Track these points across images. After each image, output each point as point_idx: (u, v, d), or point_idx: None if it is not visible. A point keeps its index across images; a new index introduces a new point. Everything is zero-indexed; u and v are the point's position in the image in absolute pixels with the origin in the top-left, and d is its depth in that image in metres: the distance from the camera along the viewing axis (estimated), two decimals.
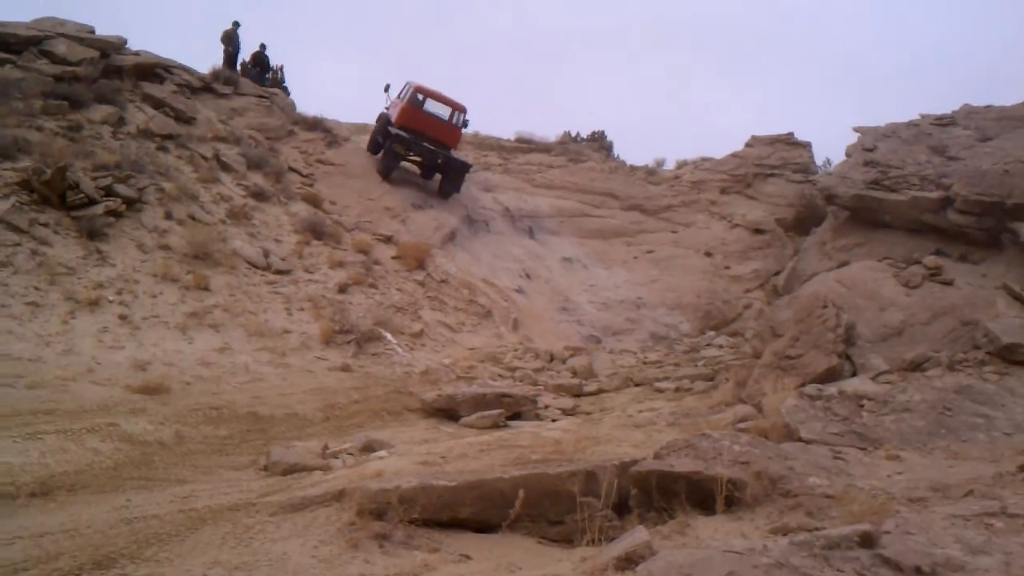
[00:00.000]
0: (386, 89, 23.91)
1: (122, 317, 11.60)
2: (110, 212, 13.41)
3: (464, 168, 23.01)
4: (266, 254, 15.32)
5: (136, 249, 13.33)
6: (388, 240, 18.80)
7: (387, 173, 22.30)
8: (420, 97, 22.56)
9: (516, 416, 11.18)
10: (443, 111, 22.84)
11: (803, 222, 23.15)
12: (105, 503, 6.47)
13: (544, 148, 29.72)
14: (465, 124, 23.30)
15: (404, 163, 23.03)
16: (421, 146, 21.98)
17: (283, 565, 5.08)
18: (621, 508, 5.83)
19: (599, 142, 32.36)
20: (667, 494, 5.54)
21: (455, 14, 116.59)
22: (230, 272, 14.16)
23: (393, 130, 22.12)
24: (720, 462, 5.67)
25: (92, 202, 13.22)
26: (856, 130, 16.94)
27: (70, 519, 5.98)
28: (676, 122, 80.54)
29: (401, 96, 23.28)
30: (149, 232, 13.92)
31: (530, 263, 22.02)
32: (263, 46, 26.31)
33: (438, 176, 23.31)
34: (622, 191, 26.44)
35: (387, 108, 23.86)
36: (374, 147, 23.52)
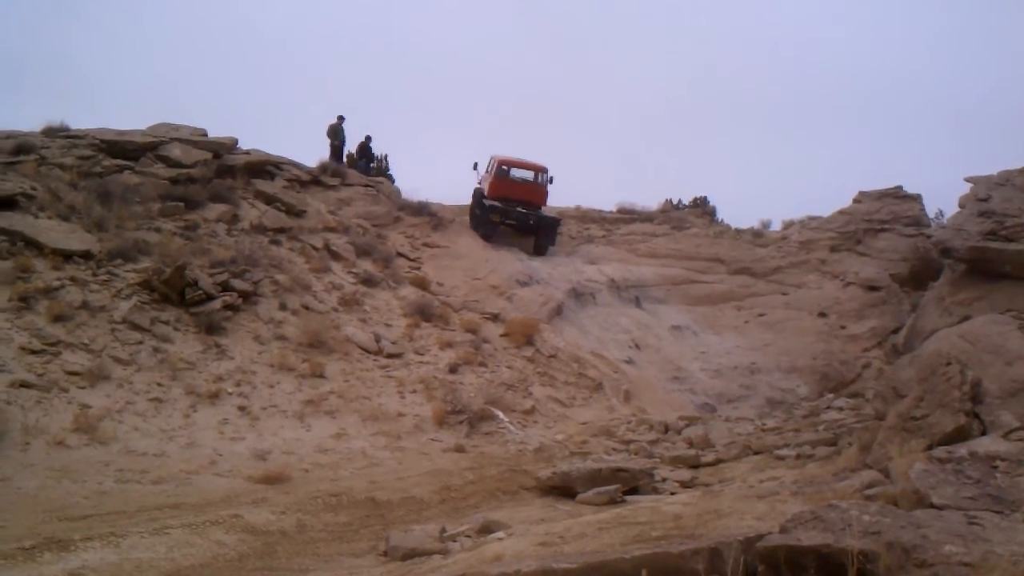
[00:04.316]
0: (474, 167, 26.64)
1: (241, 408, 11.92)
2: (227, 306, 13.90)
3: (555, 224, 25.47)
4: (377, 339, 15.59)
5: (253, 341, 13.74)
6: (495, 318, 18.92)
7: (488, 237, 24.43)
8: (505, 168, 24.97)
9: (633, 491, 10.89)
10: (527, 175, 25.47)
11: (919, 276, 22.37)
12: None
13: (646, 217, 29.56)
14: (550, 181, 25.54)
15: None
16: (514, 211, 24.36)
17: None
18: None
19: (702, 208, 32.09)
20: (796, 569, 5.30)
21: (535, 87, 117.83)
22: (344, 358, 14.44)
23: (487, 202, 24.55)
24: (849, 533, 5.41)
25: (210, 298, 13.72)
26: (968, 180, 16.40)
27: None
28: (779, 183, 79.27)
29: (488, 170, 25.59)
30: (265, 323, 14.34)
31: (638, 333, 21.80)
32: (368, 138, 27.20)
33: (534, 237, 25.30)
34: (729, 255, 26.07)
35: (479, 183, 25.96)
36: (473, 220, 25.40)
